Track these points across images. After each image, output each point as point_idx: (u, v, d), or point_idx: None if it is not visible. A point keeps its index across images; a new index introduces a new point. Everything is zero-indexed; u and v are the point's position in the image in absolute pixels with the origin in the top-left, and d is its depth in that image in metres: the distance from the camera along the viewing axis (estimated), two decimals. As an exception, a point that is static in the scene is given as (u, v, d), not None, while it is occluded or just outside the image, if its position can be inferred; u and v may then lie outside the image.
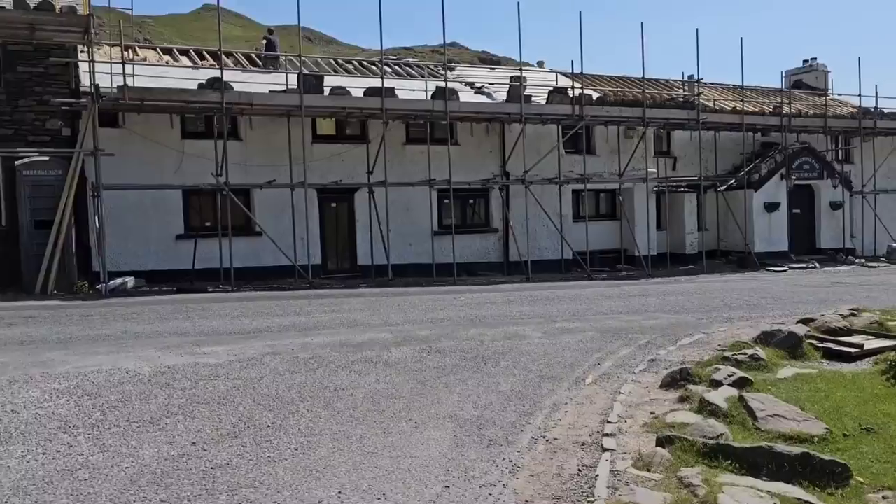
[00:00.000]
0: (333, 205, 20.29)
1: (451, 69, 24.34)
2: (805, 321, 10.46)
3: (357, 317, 11.39)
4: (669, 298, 14.28)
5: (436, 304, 13.13)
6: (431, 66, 24.02)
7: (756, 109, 26.22)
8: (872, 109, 27.51)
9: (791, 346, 8.44)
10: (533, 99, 21.09)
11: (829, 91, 31.23)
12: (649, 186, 23.22)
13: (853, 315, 10.84)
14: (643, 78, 22.04)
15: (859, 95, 26.95)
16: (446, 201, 20.47)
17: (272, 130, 18.85)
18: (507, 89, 21.17)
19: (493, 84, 22.74)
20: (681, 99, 24.26)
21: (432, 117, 19.68)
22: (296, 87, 17.82)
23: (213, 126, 17.70)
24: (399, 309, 12.48)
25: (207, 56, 21.50)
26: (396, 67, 23.96)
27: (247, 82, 18.59)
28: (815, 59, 33.59)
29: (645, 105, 22.05)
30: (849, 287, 16.97)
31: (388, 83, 19.68)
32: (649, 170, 23.10)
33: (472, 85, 23.00)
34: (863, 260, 25.69)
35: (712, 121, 24.04)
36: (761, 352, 7.96)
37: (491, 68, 20.98)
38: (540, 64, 27.49)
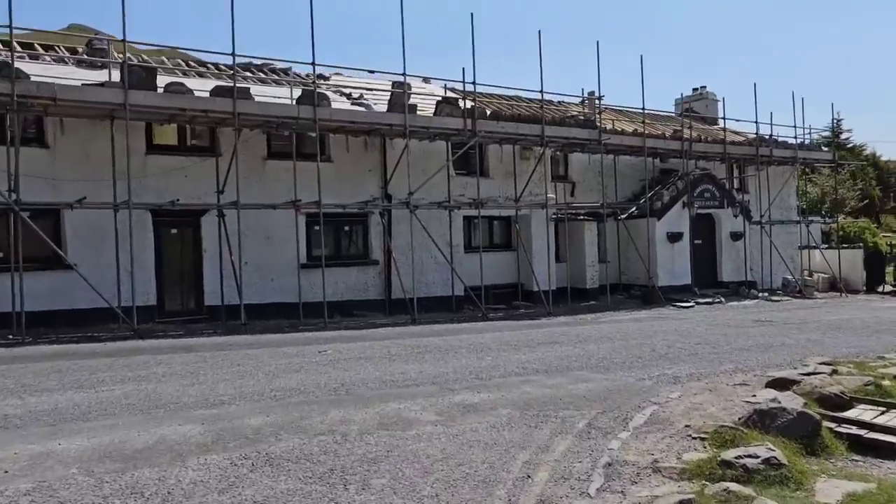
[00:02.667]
0: (174, 231, 16.46)
1: (325, 78, 21.15)
2: (782, 383, 7.90)
3: (166, 390, 7.84)
4: (589, 347, 11.53)
5: (290, 364, 9.72)
6: (302, 76, 20.69)
7: (657, 133, 24.53)
8: (768, 137, 26.53)
9: (806, 434, 5.73)
10: (419, 111, 18.21)
11: (721, 118, 30.28)
12: (548, 213, 20.77)
13: (835, 373, 8.41)
14: (541, 91, 19.64)
15: (756, 122, 25.86)
16: (316, 228, 17.12)
17: (90, 137, 14.93)
18: (388, 99, 18.17)
19: (372, 90, 19.69)
20: (581, 117, 22.12)
21: (299, 126, 16.35)
22: (119, 81, 14.07)
23: (5, 128, 13.63)
24: (236, 373, 9.00)
25: (19, 47, 17.23)
26: (261, 74, 20.47)
27: (61, 77, 14.66)
28: (705, 87, 32.90)
29: (544, 122, 19.63)
30: (776, 326, 14.93)
31: (249, 89, 16.31)
32: (548, 195, 20.70)
33: (348, 95, 19.87)
34: (766, 293, 24.32)
35: (614, 143, 22.01)
36: (775, 450, 5.15)
37: (370, 72, 18.05)
38: (426, 80, 24.77)
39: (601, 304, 21.03)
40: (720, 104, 31.94)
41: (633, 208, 23.56)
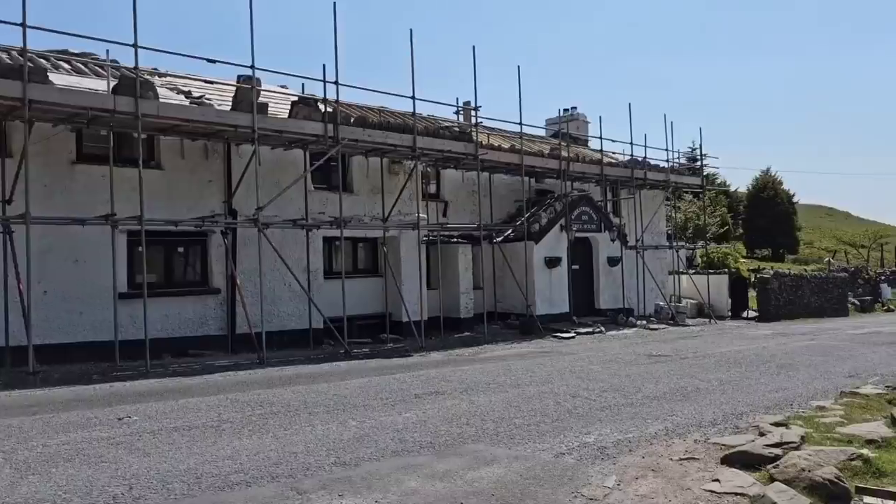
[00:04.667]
0: (-59, 251, 12.76)
1: (161, 75, 17.86)
2: (744, 459, 6.01)
3: None
4: (479, 400, 9.27)
5: (65, 444, 6.75)
6: (128, 68, 17.27)
7: (535, 150, 23.05)
8: (641, 159, 25.81)
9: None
10: (271, 112, 15.46)
11: (598, 137, 29.44)
12: (420, 235, 18.54)
13: (803, 440, 6.59)
14: (413, 97, 17.40)
15: (631, 143, 25.07)
16: (140, 249, 13.94)
17: None
18: (233, 96, 15.27)
19: (213, 83, 16.68)
20: (456, 129, 20.15)
21: (117, 123, 13.21)
22: None
23: None
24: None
25: None
26: (79, 64, 16.85)
27: None
28: (576, 107, 32.07)
29: (416, 131, 17.44)
30: (675, 363, 13.40)
31: (57, 80, 13.01)
32: (420, 215, 18.49)
33: (187, 93, 16.72)
34: (644, 322, 23.29)
35: (490, 160, 20.20)
36: None
37: (211, 61, 14.75)
38: (283, 86, 21.95)
39: (477, 335, 19.01)
40: (591, 126, 31.55)
41: (510, 231, 21.85)
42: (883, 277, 40.47)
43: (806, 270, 36.91)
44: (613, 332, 20.86)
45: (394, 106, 22.43)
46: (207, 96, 16.73)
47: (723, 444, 6.65)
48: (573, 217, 22.73)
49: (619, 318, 23.02)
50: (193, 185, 15.49)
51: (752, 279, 30.89)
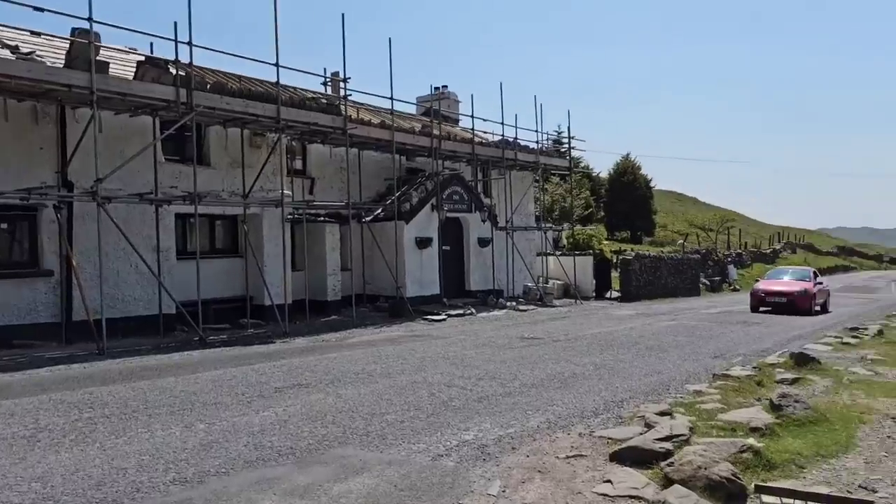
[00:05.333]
0: None
1: (-17, 25, 15.57)
2: (634, 455, 5.59)
3: None
4: (347, 393, 8.46)
5: None
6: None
7: (406, 127, 22.26)
8: (512, 140, 25.67)
9: None
10: (114, 72, 13.77)
11: (470, 116, 29.09)
12: (284, 213, 17.34)
13: (692, 431, 6.25)
14: (277, 64, 16.12)
15: (502, 123, 24.82)
16: (-48, 225, 12.01)
17: None
18: (67, 51, 13.43)
19: (41, 34, 14.66)
20: (324, 101, 18.96)
21: (-82, 76, 11.22)
22: None
23: None
24: None
25: None
26: None
27: None
28: (447, 86, 31.50)
29: (280, 101, 16.19)
30: (548, 346, 13.16)
31: None
32: (284, 192, 17.28)
33: (13, 48, 14.65)
34: (514, 303, 23.21)
35: (360, 135, 19.22)
36: None
37: (38, 10, 12.72)
38: (131, 49, 19.90)
39: (345, 319, 18.11)
40: (462, 105, 31.15)
41: (380, 210, 21.01)
42: (730, 259, 43.01)
43: (662, 252, 38.46)
44: (484, 314, 20.58)
45: (256, 75, 20.99)
46: (39, 53, 14.73)
47: (609, 438, 6.24)
48: (444, 197, 22.22)
49: (489, 299, 22.82)
50: (20, 153, 13.55)
51: (615, 260, 31.75)
